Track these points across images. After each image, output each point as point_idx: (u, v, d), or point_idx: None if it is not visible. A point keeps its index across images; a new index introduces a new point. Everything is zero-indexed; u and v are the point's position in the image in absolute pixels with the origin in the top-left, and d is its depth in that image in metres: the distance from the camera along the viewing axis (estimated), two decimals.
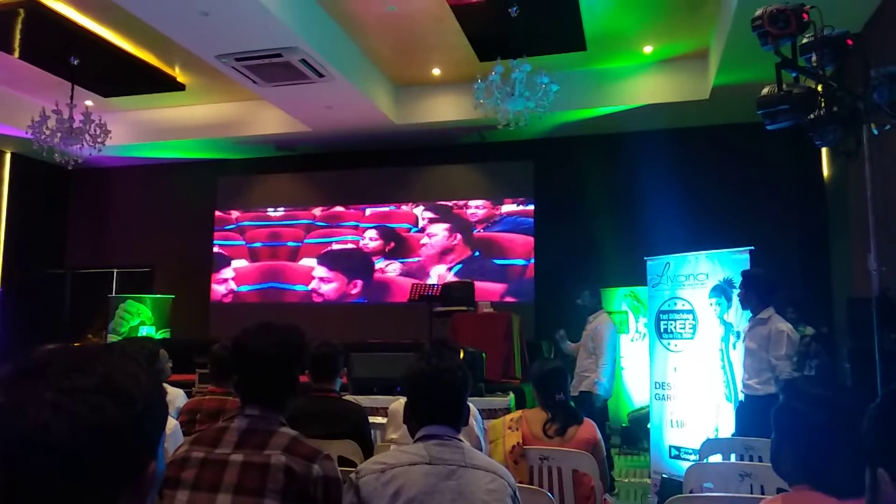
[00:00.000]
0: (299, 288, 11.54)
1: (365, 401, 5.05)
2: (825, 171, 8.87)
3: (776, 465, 1.84)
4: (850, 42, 3.45)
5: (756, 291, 5.18)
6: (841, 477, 1.64)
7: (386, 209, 11.40)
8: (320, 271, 11.50)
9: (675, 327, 6.48)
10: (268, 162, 12.06)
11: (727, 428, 5.79)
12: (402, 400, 2.48)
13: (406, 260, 11.16)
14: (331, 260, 11.48)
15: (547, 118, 8.54)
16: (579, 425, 3.63)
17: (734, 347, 5.93)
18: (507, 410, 5.71)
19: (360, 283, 11.32)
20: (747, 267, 5.75)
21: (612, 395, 8.84)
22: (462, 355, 5.21)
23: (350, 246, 11.45)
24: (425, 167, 11.33)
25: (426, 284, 9.50)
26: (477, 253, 10.86)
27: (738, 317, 5.91)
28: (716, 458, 4.08)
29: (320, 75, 8.36)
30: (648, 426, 6.87)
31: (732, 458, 3.94)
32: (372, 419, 4.14)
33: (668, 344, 6.54)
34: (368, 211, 11.47)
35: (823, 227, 8.92)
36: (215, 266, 11.93)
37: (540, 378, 3.79)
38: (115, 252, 12.53)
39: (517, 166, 10.87)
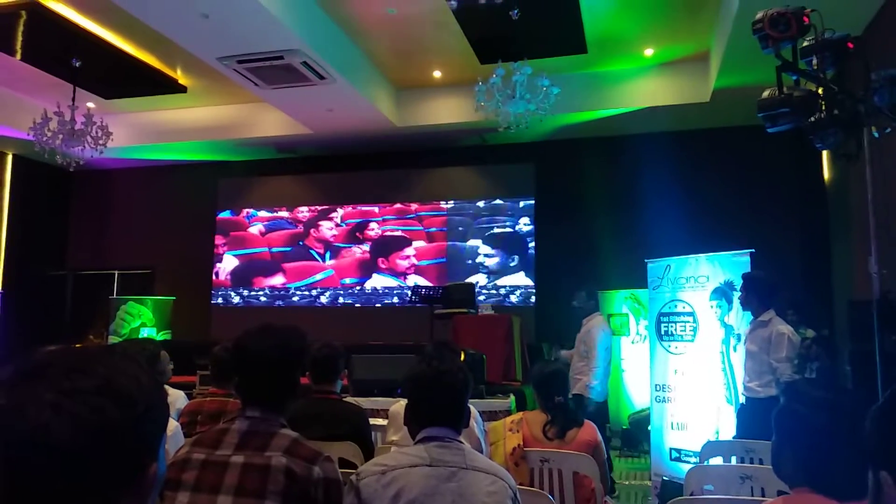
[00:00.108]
0: (300, 289, 11.54)
1: (366, 402, 5.05)
2: (826, 174, 8.87)
3: (777, 467, 1.84)
4: (850, 45, 3.45)
5: (757, 294, 5.18)
6: (841, 479, 1.64)
7: (387, 211, 11.40)
8: (322, 273, 11.50)
9: (675, 329, 6.48)
10: (269, 164, 12.07)
11: (728, 430, 5.79)
12: (403, 402, 2.49)
13: (406, 261, 11.17)
14: (332, 262, 11.48)
15: (548, 121, 8.55)
16: (579, 427, 3.63)
17: (735, 350, 5.93)
18: (508, 412, 5.70)
19: (361, 284, 11.32)
20: (748, 269, 5.76)
21: (613, 398, 8.90)
22: (463, 357, 5.22)
23: (351, 247, 11.45)
24: (426, 169, 11.35)
25: (427, 286, 9.52)
26: (477, 254, 10.86)
27: (739, 319, 5.91)
28: (716, 461, 4.07)
29: (321, 77, 8.37)
30: (649, 428, 6.87)
31: (733, 460, 3.94)
32: (372, 421, 4.14)
33: (669, 346, 6.54)
34: (368, 213, 11.47)
35: (824, 230, 8.92)
36: (216, 268, 11.93)
37: (540, 380, 3.79)
38: (116, 254, 12.54)
39: (518, 169, 10.89)
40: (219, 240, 12.02)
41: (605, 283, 9.28)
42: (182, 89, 10.00)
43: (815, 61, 3.49)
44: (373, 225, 11.44)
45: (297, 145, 11.36)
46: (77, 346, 1.10)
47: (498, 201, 10.92)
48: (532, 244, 10.65)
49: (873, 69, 3.35)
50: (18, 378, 0.92)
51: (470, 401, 2.38)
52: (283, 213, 11.84)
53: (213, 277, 11.91)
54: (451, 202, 11.14)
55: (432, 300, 8.02)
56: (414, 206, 11.29)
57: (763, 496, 3.08)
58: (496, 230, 10.87)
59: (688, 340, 6.37)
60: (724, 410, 5.97)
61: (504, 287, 10.70)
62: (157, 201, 12.46)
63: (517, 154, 10.86)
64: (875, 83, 3.30)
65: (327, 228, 11.60)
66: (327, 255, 11.54)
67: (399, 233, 11.30)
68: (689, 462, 5.98)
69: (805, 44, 3.48)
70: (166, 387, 3.71)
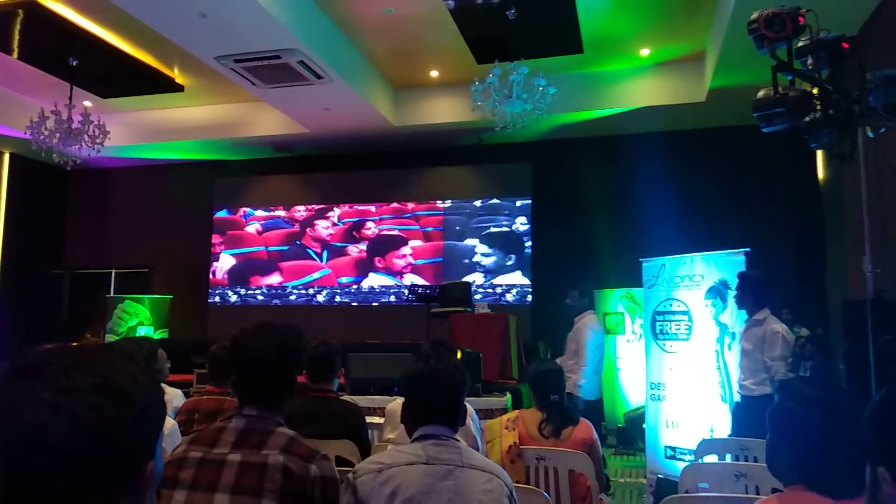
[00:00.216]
0: (297, 288, 11.55)
1: (362, 401, 5.04)
2: (820, 174, 8.89)
3: (771, 465, 1.85)
4: (845, 45, 3.46)
5: (752, 293, 5.20)
6: (836, 477, 1.66)
7: (383, 210, 11.41)
8: (318, 272, 11.50)
9: (670, 328, 6.50)
10: (266, 163, 12.07)
11: (722, 428, 5.80)
12: (400, 400, 2.49)
13: (403, 260, 11.17)
14: (329, 261, 11.48)
15: (544, 120, 8.57)
16: (575, 426, 3.64)
17: (729, 348, 5.94)
18: (504, 411, 5.72)
19: (357, 283, 11.33)
20: (743, 269, 5.76)
21: (608, 396, 8.91)
22: (460, 356, 5.23)
23: (348, 247, 11.45)
24: (423, 169, 11.35)
25: (423, 285, 9.52)
26: (474, 253, 10.88)
27: (734, 318, 5.93)
28: (711, 459, 4.08)
29: (318, 77, 8.37)
30: (644, 426, 6.88)
31: (728, 458, 3.95)
32: (369, 419, 4.15)
33: (664, 345, 6.55)
34: (365, 212, 11.47)
35: (819, 230, 8.94)
36: (213, 266, 11.93)
37: (536, 378, 3.81)
38: (113, 252, 12.52)
39: (514, 168, 10.90)
40: (216, 239, 12.01)
41: (600, 282, 9.30)
42: (179, 88, 9.99)
43: (810, 61, 3.50)
44: (369, 224, 11.44)
45: (294, 144, 11.36)
46: (74, 344, 1.11)
47: (495, 201, 10.93)
48: (528, 243, 10.66)
49: (868, 69, 3.35)
50: (16, 377, 0.92)
51: (466, 399, 2.39)
52: (280, 213, 11.84)
53: (210, 276, 11.91)
54: (448, 201, 11.15)
55: (429, 299, 8.03)
56: (411, 206, 11.30)
57: (757, 494, 3.09)
58: (493, 229, 10.88)
59: (683, 339, 6.39)
60: (718, 409, 5.98)
61: (500, 286, 10.71)
62: (154, 200, 12.45)
63: (514, 154, 10.86)
64: (870, 83, 3.30)
65: (323, 227, 11.60)
66: (324, 254, 11.54)
67: (396, 232, 11.31)
68: (684, 460, 6.00)
69: (800, 44, 3.49)
70: (163, 385, 3.72)
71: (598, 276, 9.39)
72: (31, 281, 12.02)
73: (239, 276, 11.85)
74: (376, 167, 11.50)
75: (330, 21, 8.20)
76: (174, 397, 4.41)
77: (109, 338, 10.59)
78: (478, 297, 10.16)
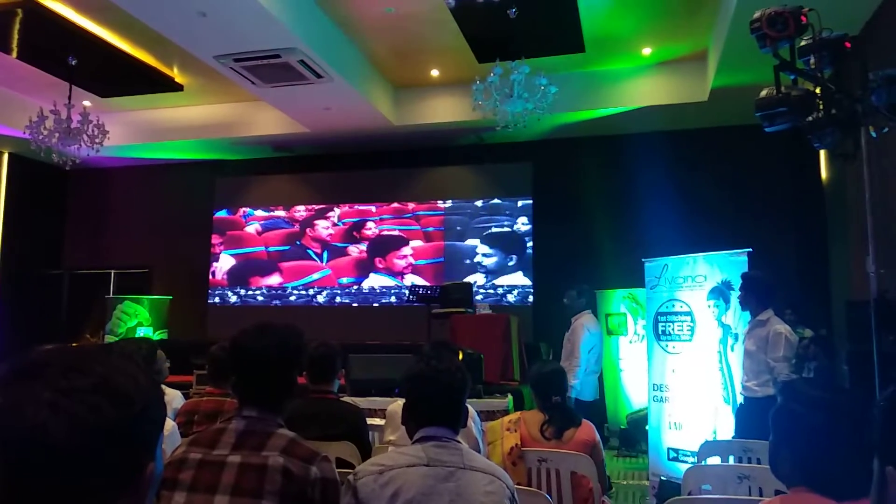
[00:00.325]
0: (297, 289, 11.53)
1: (363, 402, 5.03)
2: (823, 174, 8.88)
3: (774, 467, 1.83)
4: (848, 45, 3.45)
5: (755, 293, 5.19)
6: (839, 479, 1.64)
7: (384, 210, 11.40)
8: (319, 273, 11.49)
9: (673, 329, 6.48)
10: (266, 163, 12.06)
11: (725, 430, 5.78)
12: (401, 402, 2.48)
13: (404, 261, 11.16)
14: (329, 261, 11.47)
15: (545, 120, 8.55)
16: (577, 427, 3.62)
17: (732, 349, 5.92)
18: (506, 412, 5.70)
19: (358, 283, 11.31)
20: (745, 269, 5.75)
21: (611, 397, 8.92)
22: (461, 357, 5.21)
23: (349, 247, 11.44)
24: (423, 168, 11.34)
25: (424, 286, 9.51)
26: (475, 253, 10.86)
27: (736, 319, 5.91)
28: (714, 461, 4.07)
29: (319, 76, 8.36)
30: (647, 428, 6.86)
31: (731, 460, 3.93)
32: (370, 421, 4.13)
33: (666, 346, 6.53)
34: (366, 212, 11.46)
35: (822, 230, 8.93)
36: (212, 267, 11.91)
37: (537, 380, 3.79)
38: (112, 253, 12.51)
39: (515, 168, 10.88)
40: (215, 239, 12.00)
41: (603, 283, 9.28)
42: (179, 88, 9.98)
43: (812, 61, 3.48)
44: (370, 224, 11.43)
45: (294, 144, 11.35)
46: (74, 345, 1.10)
47: (496, 201, 10.91)
48: (530, 244, 10.64)
49: (871, 69, 3.35)
50: (16, 377, 0.92)
51: (468, 400, 2.38)
52: (280, 213, 11.83)
53: (210, 277, 11.89)
54: (449, 201, 11.13)
55: (430, 300, 8.00)
56: (411, 206, 11.28)
57: (761, 496, 3.08)
58: (494, 230, 10.86)
59: (685, 340, 6.37)
60: (721, 410, 5.96)
61: (502, 287, 10.69)
62: (153, 200, 12.44)
63: (515, 153, 10.85)
64: (873, 83, 3.29)
65: (323, 228, 11.59)
66: (324, 254, 11.52)
67: (396, 232, 11.29)
68: (686, 462, 5.98)
69: (803, 43, 3.47)
70: (163, 386, 3.70)
71: (600, 277, 9.38)
72: (30, 281, 12.02)
73: (239, 276, 11.83)
74: (377, 167, 11.49)
75: (330, 20, 8.19)
76: (174, 398, 4.39)
77: (109, 338, 10.57)
78: (479, 297, 10.14)
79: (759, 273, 5.39)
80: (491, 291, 10.66)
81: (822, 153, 8.55)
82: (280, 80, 8.50)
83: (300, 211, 11.74)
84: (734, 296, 5.81)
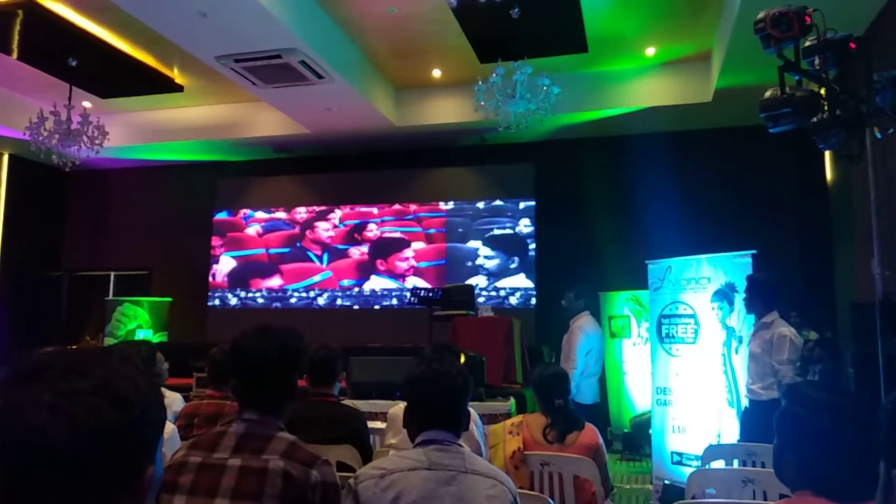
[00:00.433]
0: (298, 291, 11.51)
1: (364, 405, 5.01)
2: (828, 175, 8.86)
3: (778, 470, 1.83)
4: (853, 45, 3.43)
5: (760, 295, 5.17)
6: (843, 482, 1.64)
7: (385, 212, 11.38)
8: (320, 275, 11.47)
9: (676, 332, 6.45)
10: (266, 164, 12.05)
11: (729, 433, 5.76)
12: (402, 405, 2.47)
13: (405, 263, 11.14)
14: (330, 263, 11.45)
15: (548, 120, 8.51)
16: (580, 430, 3.61)
17: (736, 352, 5.90)
18: (508, 415, 5.67)
19: (359, 286, 11.29)
20: (749, 271, 5.73)
21: (614, 401, 8.89)
22: (463, 360, 5.19)
23: (350, 249, 11.42)
24: (425, 170, 11.32)
25: (426, 288, 9.48)
26: (477, 255, 10.84)
27: (741, 321, 5.89)
28: (718, 464, 4.05)
29: (320, 77, 8.34)
30: (650, 432, 6.84)
31: (735, 463, 3.92)
32: (371, 424, 4.11)
33: (670, 348, 6.51)
34: (367, 214, 11.44)
35: (826, 231, 8.91)
36: (212, 269, 11.90)
37: (540, 383, 3.78)
38: (112, 254, 12.51)
39: (518, 169, 10.86)
40: (216, 241, 11.98)
41: (606, 285, 9.26)
42: (179, 88, 9.97)
43: (817, 61, 3.46)
44: (371, 226, 11.41)
45: (294, 145, 11.34)
46: (73, 347, 1.09)
47: (498, 202, 10.89)
48: (532, 246, 10.62)
49: (876, 69, 3.33)
50: (15, 380, 0.92)
51: (470, 403, 2.37)
52: (281, 214, 11.81)
53: (210, 279, 11.87)
54: (451, 203, 11.11)
55: (431, 302, 7.98)
56: (413, 207, 11.26)
57: (765, 500, 3.08)
58: (496, 231, 10.84)
59: (689, 343, 6.34)
60: (725, 413, 5.94)
61: (504, 289, 10.67)
62: (153, 202, 12.43)
63: (517, 154, 10.83)
64: (877, 83, 3.28)
65: (323, 230, 11.56)
66: (325, 256, 11.50)
67: (398, 234, 11.27)
68: (690, 466, 5.95)
69: (807, 44, 3.45)
70: (163, 389, 3.68)
71: (603, 279, 9.36)
72: (29, 283, 12.01)
73: (239, 278, 11.81)
74: (378, 168, 11.48)
75: (331, 20, 8.17)
76: (174, 401, 4.38)
77: (108, 341, 10.55)
78: (481, 300, 10.13)
79: (764, 275, 5.37)
80: (493, 294, 10.64)
81: (827, 154, 8.52)
82: (281, 81, 8.49)
83: (301, 213, 11.72)
84: (738, 298, 5.79)
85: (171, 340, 10.93)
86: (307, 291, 11.48)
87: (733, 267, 6.07)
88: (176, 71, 9.61)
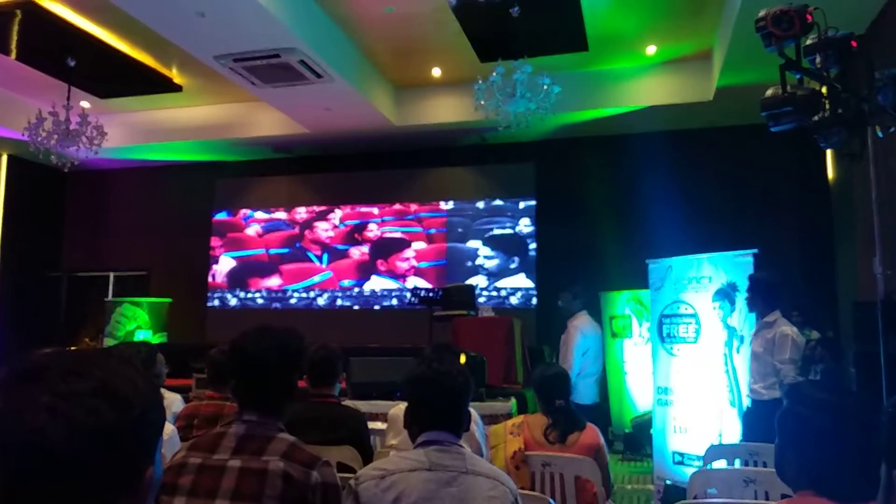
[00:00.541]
0: (298, 291, 11.51)
1: (364, 406, 5.00)
2: (830, 174, 8.85)
3: (780, 470, 1.83)
4: (854, 44, 3.42)
5: (762, 295, 5.16)
6: (845, 482, 1.64)
7: (386, 212, 11.37)
8: (320, 275, 11.46)
9: (677, 331, 6.44)
10: (266, 164, 12.03)
11: (731, 433, 5.75)
12: (402, 405, 2.46)
13: (406, 263, 11.13)
14: (330, 263, 11.45)
15: (548, 120, 8.50)
16: (581, 431, 3.61)
17: (738, 352, 5.89)
18: (509, 416, 5.66)
19: (359, 286, 11.29)
20: (750, 270, 5.72)
21: (615, 401, 8.88)
22: (464, 360, 5.18)
23: (350, 249, 11.41)
24: (425, 169, 11.31)
25: (426, 288, 9.47)
26: (477, 255, 10.83)
27: (742, 321, 5.88)
28: (720, 464, 4.05)
29: (319, 76, 8.33)
30: (651, 432, 6.83)
31: (737, 463, 3.92)
32: (371, 425, 4.10)
33: (671, 348, 6.50)
34: (367, 214, 11.44)
35: (828, 230, 8.91)
36: (212, 269, 11.89)
37: (541, 383, 3.78)
38: (111, 255, 12.51)
39: (518, 168, 10.84)
40: (215, 241, 11.96)
41: (607, 285, 9.25)
42: (177, 88, 9.95)
43: (818, 60, 3.46)
44: (371, 226, 11.40)
45: (294, 145, 11.33)
46: (73, 348, 1.09)
47: (498, 202, 10.88)
48: (533, 245, 10.61)
49: (877, 68, 3.33)
50: (14, 381, 0.92)
51: (470, 404, 2.36)
52: (281, 214, 11.80)
53: (210, 279, 11.87)
54: (451, 203, 11.10)
55: (432, 302, 7.97)
56: (413, 207, 11.25)
57: (767, 500, 3.08)
58: (496, 231, 10.83)
59: (690, 342, 6.33)
60: (727, 413, 5.93)
61: (504, 289, 10.66)
62: (152, 202, 12.43)
63: (517, 154, 10.82)
64: (879, 82, 3.28)
65: (322, 230, 11.55)
66: (324, 256, 11.49)
67: (398, 234, 11.25)
68: (692, 466, 5.94)
69: (808, 42, 3.45)
70: (163, 390, 3.67)
71: (604, 279, 9.36)
72: (28, 283, 12.00)
73: (239, 278, 11.80)
74: (378, 168, 11.47)
75: (330, 19, 8.16)
76: (173, 402, 4.37)
77: (107, 341, 10.54)
78: (481, 300, 10.12)
79: (766, 274, 5.37)
80: (493, 294, 10.63)
81: (829, 153, 8.52)
82: (280, 81, 8.47)
83: (301, 213, 11.71)
84: (739, 297, 5.78)
85: (171, 341, 10.92)
86: (307, 292, 11.47)
87: (734, 266, 6.06)
88: (175, 71, 9.60)
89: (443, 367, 2.31)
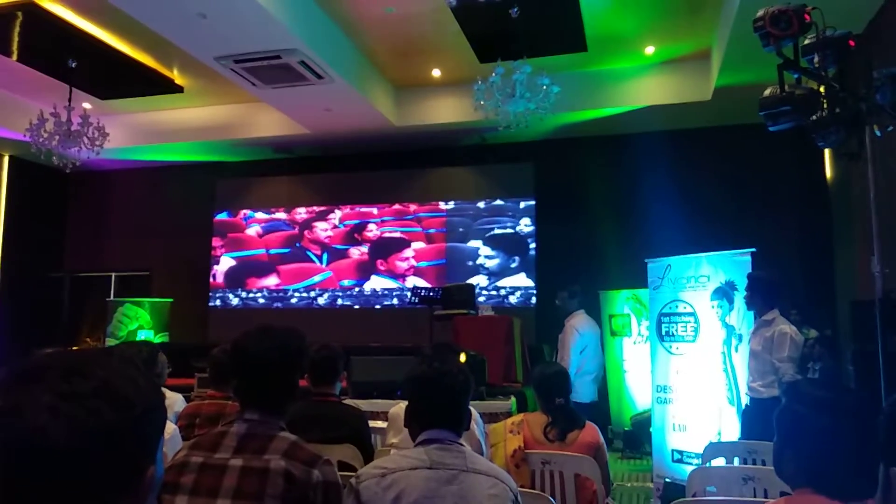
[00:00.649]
0: (298, 291, 11.52)
1: (365, 405, 5.02)
2: (828, 173, 8.86)
3: (778, 468, 1.83)
4: (852, 43, 3.42)
5: (761, 293, 5.17)
6: (843, 480, 1.64)
7: (385, 212, 11.38)
8: (320, 275, 11.48)
9: (676, 330, 6.45)
10: (266, 165, 12.05)
11: (730, 431, 5.76)
12: (403, 404, 2.47)
13: (405, 263, 11.14)
14: (330, 263, 11.46)
15: (548, 120, 8.52)
16: (581, 429, 3.61)
17: (736, 350, 5.90)
18: (509, 414, 5.68)
19: (360, 286, 11.30)
20: (749, 269, 5.73)
21: (615, 399, 8.89)
22: (464, 359, 5.19)
23: (350, 249, 11.42)
24: (425, 169, 11.32)
25: (426, 287, 9.48)
26: (477, 255, 10.84)
27: (740, 319, 5.89)
28: (719, 462, 4.06)
29: (319, 77, 8.35)
30: (651, 430, 6.84)
31: (735, 461, 3.92)
32: (372, 423, 4.12)
33: (670, 347, 6.51)
34: (367, 214, 11.45)
35: (826, 229, 8.91)
36: (213, 269, 11.90)
37: (541, 382, 3.78)
38: (113, 255, 12.53)
39: (518, 168, 10.86)
40: (216, 242, 11.98)
41: (606, 284, 9.27)
42: (179, 89, 9.97)
43: (816, 59, 3.45)
44: (371, 226, 11.41)
45: (294, 145, 11.34)
46: (75, 348, 1.10)
47: (498, 202, 10.89)
48: (532, 245, 10.62)
49: (875, 67, 3.32)
50: (17, 381, 0.92)
51: (470, 402, 2.37)
52: (281, 215, 11.81)
53: (211, 279, 11.88)
54: (451, 203, 11.11)
55: (432, 301, 7.99)
56: (413, 207, 11.26)
57: (766, 497, 3.08)
58: (496, 231, 10.84)
59: (689, 341, 6.34)
60: (725, 411, 5.94)
61: (504, 288, 10.67)
62: (153, 202, 12.44)
63: (517, 153, 10.83)
64: (877, 81, 3.27)
65: (322, 230, 11.56)
66: (324, 256, 11.50)
67: (398, 234, 11.27)
68: (691, 463, 5.95)
69: (806, 42, 3.45)
70: (164, 389, 3.68)
71: (604, 278, 9.38)
72: (30, 284, 12.02)
73: (240, 278, 11.82)
74: (378, 168, 11.48)
75: (330, 20, 8.17)
76: (175, 402, 4.38)
77: (109, 341, 10.57)
78: (481, 299, 10.13)
79: (765, 273, 5.37)
80: (493, 293, 10.65)
81: (827, 152, 8.53)
82: (280, 81, 8.49)
83: (301, 213, 11.72)
84: (738, 296, 5.79)
85: (173, 341, 10.95)
86: (308, 291, 11.48)
87: (733, 265, 6.07)
88: (176, 72, 9.61)
89: (443, 366, 2.31)
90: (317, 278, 11.47)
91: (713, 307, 6.17)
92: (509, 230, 10.78)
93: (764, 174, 9.73)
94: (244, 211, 11.96)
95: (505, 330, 7.37)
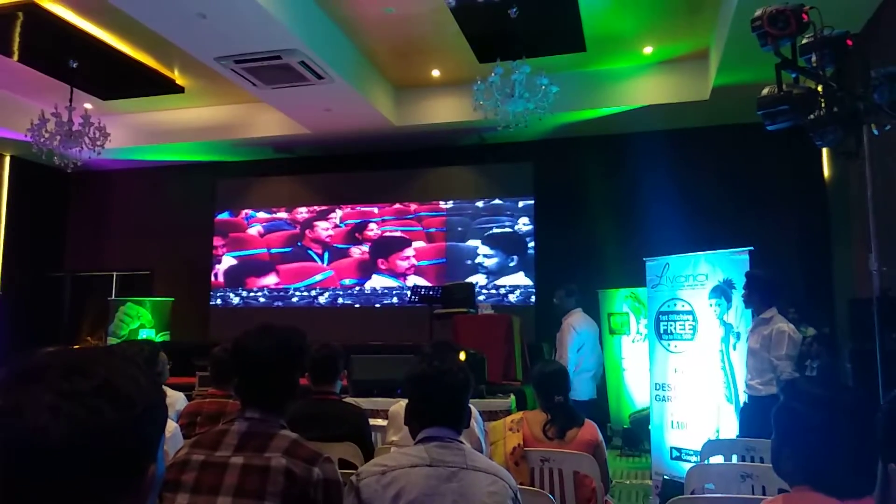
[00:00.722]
0: (299, 290, 11.53)
1: (365, 403, 5.04)
2: (826, 172, 8.86)
3: (776, 465, 1.84)
4: (850, 42, 3.43)
5: (759, 292, 5.18)
6: (841, 477, 1.65)
7: (386, 212, 11.39)
8: (321, 274, 11.49)
9: (674, 328, 6.46)
10: (267, 164, 12.05)
11: (728, 429, 5.78)
12: (403, 402, 2.48)
13: (406, 262, 11.15)
14: (331, 262, 11.47)
15: (547, 119, 8.53)
16: (580, 427, 3.63)
17: (734, 348, 5.92)
18: (508, 412, 5.69)
19: (360, 285, 11.31)
20: (747, 268, 5.74)
21: (613, 397, 8.90)
22: (464, 357, 5.21)
23: (350, 248, 11.43)
24: (425, 169, 11.32)
25: (426, 286, 9.50)
26: (476, 254, 10.85)
27: (738, 318, 5.90)
28: (717, 459, 4.07)
29: (319, 77, 8.36)
30: (649, 427, 6.86)
31: (734, 458, 3.93)
32: (372, 421, 4.13)
33: (668, 345, 6.52)
34: (367, 213, 11.46)
35: (824, 228, 8.91)
36: (214, 269, 11.91)
37: (540, 380, 3.79)
38: (114, 255, 12.53)
39: (517, 168, 10.87)
40: (217, 241, 11.99)
41: (605, 282, 9.28)
42: (179, 90, 9.98)
43: (814, 59, 3.46)
44: (372, 225, 11.42)
45: (295, 145, 11.35)
46: (75, 347, 1.11)
47: (497, 201, 10.90)
48: (531, 244, 10.63)
49: (873, 66, 3.33)
50: (17, 380, 0.92)
51: (470, 401, 2.38)
52: (282, 214, 11.82)
53: (212, 278, 11.89)
54: (451, 202, 11.12)
55: (432, 300, 8.00)
56: (413, 207, 11.28)
57: (764, 494, 3.08)
58: (495, 230, 10.85)
59: (687, 339, 6.36)
60: (724, 409, 5.95)
61: (504, 287, 10.69)
62: (155, 202, 12.45)
63: (516, 153, 10.84)
64: (874, 80, 3.28)
65: (322, 229, 11.58)
66: (325, 255, 11.52)
67: (398, 233, 11.28)
68: (689, 461, 5.97)
69: (804, 41, 3.45)
70: (165, 388, 3.70)
71: (602, 276, 9.39)
72: (32, 283, 12.03)
73: (241, 278, 11.83)
74: (378, 168, 11.49)
75: (330, 21, 8.18)
76: (176, 400, 4.40)
77: (111, 340, 10.57)
78: (481, 298, 10.14)
79: (763, 271, 5.39)
80: (493, 292, 10.66)
81: (825, 151, 8.54)
82: (281, 82, 8.50)
83: (302, 212, 11.73)
84: (736, 294, 5.81)
85: (174, 340, 10.96)
86: (308, 290, 11.50)
87: (731, 264, 6.08)
88: (176, 72, 9.62)
89: (443, 364, 2.31)
90: (318, 277, 11.49)
91: (711, 305, 6.18)
92: (508, 229, 10.80)
93: (762, 173, 9.73)
94: (246, 210, 11.97)
95: (504, 328, 7.39)
